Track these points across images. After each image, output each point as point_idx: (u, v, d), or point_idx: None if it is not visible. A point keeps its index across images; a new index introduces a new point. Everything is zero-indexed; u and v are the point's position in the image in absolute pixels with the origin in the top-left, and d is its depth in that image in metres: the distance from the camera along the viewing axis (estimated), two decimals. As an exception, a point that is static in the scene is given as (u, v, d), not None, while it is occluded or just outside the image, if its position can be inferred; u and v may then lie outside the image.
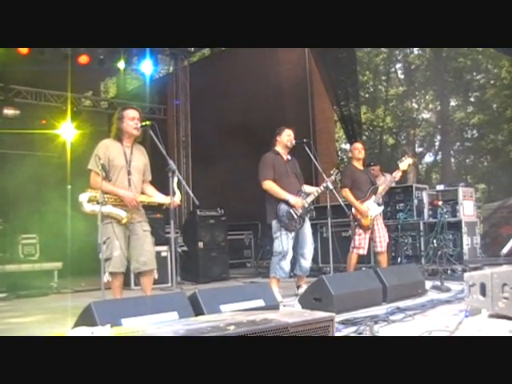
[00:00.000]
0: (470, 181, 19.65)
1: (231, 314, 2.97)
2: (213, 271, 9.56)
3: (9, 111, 11.71)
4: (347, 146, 21.66)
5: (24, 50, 10.59)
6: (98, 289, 6.76)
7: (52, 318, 5.95)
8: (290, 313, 2.93)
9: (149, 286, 5.27)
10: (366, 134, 21.25)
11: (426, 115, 24.07)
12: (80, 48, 11.29)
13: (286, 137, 6.69)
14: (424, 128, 23.85)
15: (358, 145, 7.71)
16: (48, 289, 8.60)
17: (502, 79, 20.14)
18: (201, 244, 9.50)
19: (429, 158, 24.26)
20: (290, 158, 6.77)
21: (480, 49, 19.46)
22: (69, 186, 9.85)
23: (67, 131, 12.16)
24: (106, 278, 4.93)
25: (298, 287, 6.71)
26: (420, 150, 24.11)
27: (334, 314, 2.70)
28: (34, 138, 12.40)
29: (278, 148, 6.72)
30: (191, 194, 4.98)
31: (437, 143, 23.62)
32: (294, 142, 6.67)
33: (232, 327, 2.45)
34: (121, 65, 12.55)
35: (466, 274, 4.08)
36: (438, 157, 23.54)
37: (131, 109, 5.36)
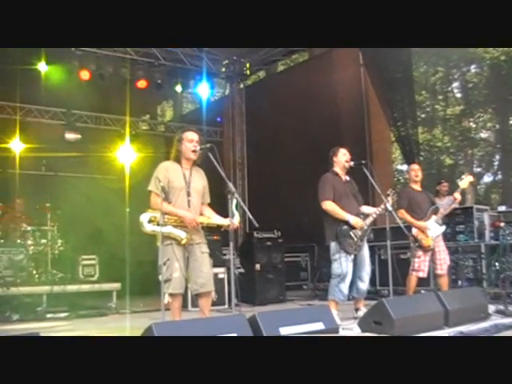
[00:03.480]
0: (531, 201, 19.03)
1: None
2: (270, 293, 9.53)
3: (71, 136, 12.08)
4: (404, 167, 21.36)
5: (85, 76, 10.95)
6: (155, 310, 6.86)
7: (112, 339, 6.02)
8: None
9: (207, 307, 5.27)
10: (423, 154, 20.88)
11: (484, 134, 23.54)
12: (139, 71, 11.64)
13: (343, 156, 6.62)
14: (482, 148, 23.32)
15: (415, 166, 7.59)
16: (107, 309, 8.75)
17: None
18: (258, 266, 9.48)
19: (487, 178, 23.68)
20: (348, 178, 6.70)
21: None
22: (127, 209, 10.05)
23: (125, 154, 12.44)
24: (166, 299, 4.95)
25: (357, 310, 6.61)
26: (478, 170, 23.55)
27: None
28: (94, 160, 12.74)
29: (337, 169, 6.65)
30: (250, 216, 4.96)
31: (495, 163, 23.05)
32: (351, 163, 6.59)
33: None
34: (178, 88, 12.81)
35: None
36: (498, 177, 22.95)
37: (190, 131, 5.43)
